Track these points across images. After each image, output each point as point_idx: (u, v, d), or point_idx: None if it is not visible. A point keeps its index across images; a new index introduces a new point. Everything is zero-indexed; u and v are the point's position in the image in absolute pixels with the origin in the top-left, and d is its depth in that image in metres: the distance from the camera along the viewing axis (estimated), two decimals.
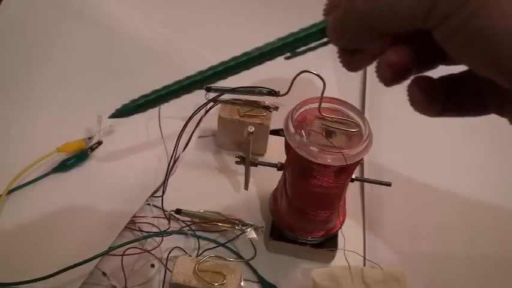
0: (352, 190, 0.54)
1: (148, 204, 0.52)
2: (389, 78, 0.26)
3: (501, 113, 0.27)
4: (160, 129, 0.55)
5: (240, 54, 0.28)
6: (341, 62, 0.27)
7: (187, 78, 0.29)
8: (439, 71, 0.28)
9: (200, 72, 0.28)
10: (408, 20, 0.23)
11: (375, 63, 0.26)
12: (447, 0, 0.22)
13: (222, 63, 0.28)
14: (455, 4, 0.21)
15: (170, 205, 0.51)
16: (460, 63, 0.24)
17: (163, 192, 0.52)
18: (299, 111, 0.41)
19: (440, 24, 0.22)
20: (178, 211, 0.50)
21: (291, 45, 0.27)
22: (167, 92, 0.29)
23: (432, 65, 0.28)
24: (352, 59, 0.27)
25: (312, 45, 0.27)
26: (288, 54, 0.27)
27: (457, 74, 0.28)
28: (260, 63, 0.28)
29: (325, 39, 0.27)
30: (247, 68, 0.28)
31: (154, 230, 0.50)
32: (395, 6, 0.23)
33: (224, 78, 0.28)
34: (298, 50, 0.27)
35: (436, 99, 0.27)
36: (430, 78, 0.28)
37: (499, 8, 0.21)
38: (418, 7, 0.22)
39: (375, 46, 0.25)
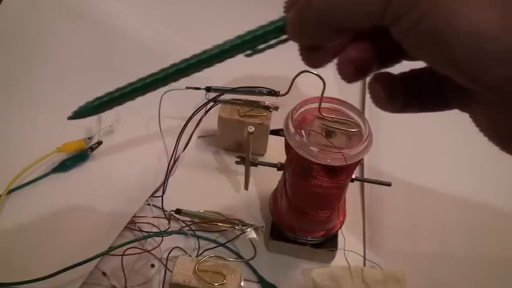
0: (352, 190, 0.54)
1: (148, 204, 0.52)
2: (350, 74, 0.26)
3: (462, 108, 0.27)
4: (160, 129, 0.55)
5: (200, 52, 0.28)
6: (302, 58, 0.27)
7: (151, 75, 0.29)
8: (402, 67, 0.28)
9: (162, 70, 0.29)
10: (364, 17, 0.23)
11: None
12: (400, 0, 0.22)
13: (184, 60, 0.28)
14: (407, 4, 0.21)
15: (170, 205, 0.51)
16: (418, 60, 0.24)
17: (163, 192, 0.52)
18: (299, 111, 0.41)
19: (393, 24, 0.22)
20: (178, 211, 0.50)
21: (250, 43, 0.27)
22: (131, 89, 0.29)
23: (393, 61, 0.28)
24: (313, 56, 0.27)
25: (272, 42, 0.27)
26: (249, 52, 0.27)
27: (418, 70, 0.28)
28: (220, 61, 0.28)
29: (284, 36, 0.27)
30: (208, 65, 0.28)
31: (154, 230, 0.50)
32: (352, 4, 0.23)
33: (187, 75, 0.28)
34: (258, 48, 0.27)
35: (397, 95, 0.27)
36: (390, 75, 0.28)
37: (450, 8, 0.21)
38: (373, 5, 0.22)
39: (334, 43, 0.26)
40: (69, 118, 0.31)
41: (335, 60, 0.27)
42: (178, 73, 0.28)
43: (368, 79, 0.27)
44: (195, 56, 0.28)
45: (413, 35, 0.22)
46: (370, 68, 0.26)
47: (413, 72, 0.28)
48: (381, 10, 0.22)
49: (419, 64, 0.26)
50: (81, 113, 0.31)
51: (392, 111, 0.28)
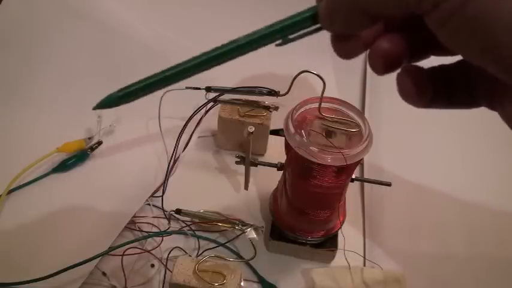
0: (352, 190, 0.54)
1: (148, 204, 0.52)
2: (381, 66, 0.25)
3: (491, 107, 0.27)
4: (160, 129, 0.55)
5: (228, 42, 0.27)
6: (334, 49, 0.27)
7: (178, 65, 0.28)
8: (430, 62, 0.28)
9: (190, 60, 0.28)
10: (400, 3, 0.22)
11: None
12: None
13: (214, 49, 0.27)
14: None
15: (170, 205, 0.51)
16: (452, 53, 0.23)
17: (163, 192, 0.52)
18: (299, 111, 0.41)
19: (432, 9, 0.22)
20: (178, 211, 0.50)
21: (282, 32, 0.26)
22: (159, 79, 0.28)
23: (424, 55, 0.27)
24: (345, 46, 0.27)
25: (304, 31, 0.27)
26: (280, 41, 0.27)
27: (448, 65, 0.28)
28: (251, 50, 0.27)
29: (317, 26, 0.26)
30: (238, 55, 0.27)
31: (154, 230, 0.50)
32: None
33: (212, 66, 0.28)
34: (291, 37, 0.27)
35: (426, 90, 0.27)
36: (420, 68, 0.27)
37: None
38: None
39: (367, 31, 0.25)
40: (94, 108, 0.31)
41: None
42: (208, 62, 0.27)
43: (395, 73, 0.27)
44: (223, 45, 0.27)
45: (453, 22, 0.21)
46: (401, 61, 0.26)
47: (442, 67, 0.28)
48: None
49: (449, 59, 0.26)
50: (106, 103, 0.30)
51: (419, 106, 0.27)
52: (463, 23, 0.21)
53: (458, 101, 0.28)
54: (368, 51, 0.26)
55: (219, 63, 0.27)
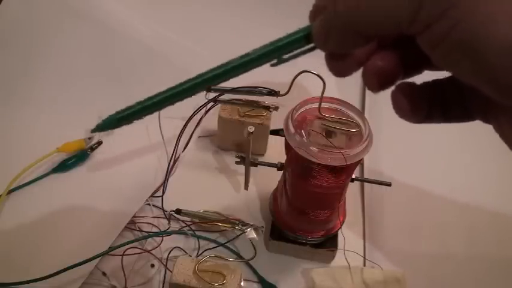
0: (352, 190, 0.54)
1: (148, 204, 0.52)
2: (375, 84, 0.26)
3: (485, 120, 0.27)
4: (160, 129, 0.55)
5: (224, 63, 0.27)
6: (329, 68, 0.27)
7: (172, 88, 0.28)
8: (423, 76, 0.28)
9: (185, 82, 0.28)
10: (392, 24, 0.22)
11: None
12: (433, 5, 0.21)
13: (209, 71, 0.27)
14: (442, 8, 0.21)
15: (170, 205, 0.51)
16: (445, 70, 0.24)
17: (163, 192, 0.52)
18: (299, 111, 0.41)
19: (424, 31, 0.22)
20: (178, 211, 0.50)
21: (276, 52, 0.27)
22: (151, 103, 0.29)
23: (417, 70, 0.27)
24: (339, 65, 0.27)
25: (298, 51, 0.27)
26: (274, 61, 0.27)
27: (441, 80, 0.28)
28: (245, 71, 0.27)
29: (311, 45, 0.26)
30: (235, 75, 0.27)
31: (154, 230, 0.50)
32: (379, 10, 0.22)
33: (205, 89, 0.28)
34: (284, 57, 0.27)
35: (421, 107, 0.27)
36: (414, 85, 0.27)
37: (489, 12, 0.20)
38: (402, 10, 0.22)
39: (361, 49, 0.25)
40: (93, 131, 0.31)
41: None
42: (203, 83, 0.28)
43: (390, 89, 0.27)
44: (219, 66, 0.27)
45: (444, 44, 0.21)
46: (395, 78, 0.26)
47: (436, 82, 0.28)
48: (410, 16, 0.21)
49: (442, 74, 0.26)
50: (104, 126, 0.30)
51: (415, 122, 0.27)
52: (455, 45, 0.21)
53: (453, 115, 0.28)
54: (362, 69, 0.26)
55: (214, 84, 0.28)
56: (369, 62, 0.26)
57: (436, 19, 0.21)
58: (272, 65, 0.27)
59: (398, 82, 0.27)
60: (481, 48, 0.20)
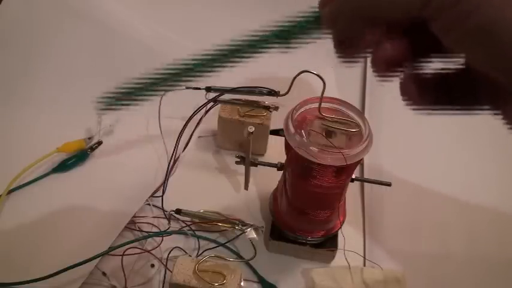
0: (352, 190, 0.54)
1: (148, 204, 0.52)
2: (384, 71, 0.25)
3: (495, 107, 0.26)
4: (160, 129, 0.55)
5: (232, 43, 0.27)
6: (337, 55, 0.27)
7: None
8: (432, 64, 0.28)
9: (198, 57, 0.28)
10: (402, 8, 0.22)
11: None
12: None
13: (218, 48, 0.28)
14: None
15: (170, 205, 0.51)
16: (457, 56, 0.23)
17: (163, 192, 0.52)
18: (299, 111, 0.41)
19: (438, 16, 0.21)
20: (178, 211, 0.50)
21: (285, 36, 0.27)
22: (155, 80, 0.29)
23: (427, 58, 0.27)
24: (347, 51, 0.27)
25: (307, 36, 0.27)
26: (284, 49, 0.27)
27: (451, 68, 0.27)
28: (252, 53, 0.27)
29: (320, 31, 0.26)
30: (241, 56, 0.27)
31: (154, 230, 0.50)
32: None
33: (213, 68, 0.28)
34: (293, 42, 0.27)
35: (428, 93, 0.27)
36: (422, 71, 0.27)
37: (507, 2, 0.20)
38: None
39: (370, 36, 0.25)
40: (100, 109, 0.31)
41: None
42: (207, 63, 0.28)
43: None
44: (230, 44, 0.28)
45: (458, 30, 0.21)
46: (404, 65, 0.25)
47: (445, 69, 0.27)
48: (423, 1, 0.21)
49: (450, 61, 0.25)
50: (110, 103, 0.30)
51: (421, 110, 0.27)
52: (469, 32, 0.21)
53: (461, 103, 0.27)
54: (371, 56, 0.26)
55: (220, 66, 0.28)
56: (378, 49, 0.25)
57: (453, 3, 0.21)
58: (282, 52, 0.27)
59: (406, 68, 0.26)
60: (495, 35, 0.20)
